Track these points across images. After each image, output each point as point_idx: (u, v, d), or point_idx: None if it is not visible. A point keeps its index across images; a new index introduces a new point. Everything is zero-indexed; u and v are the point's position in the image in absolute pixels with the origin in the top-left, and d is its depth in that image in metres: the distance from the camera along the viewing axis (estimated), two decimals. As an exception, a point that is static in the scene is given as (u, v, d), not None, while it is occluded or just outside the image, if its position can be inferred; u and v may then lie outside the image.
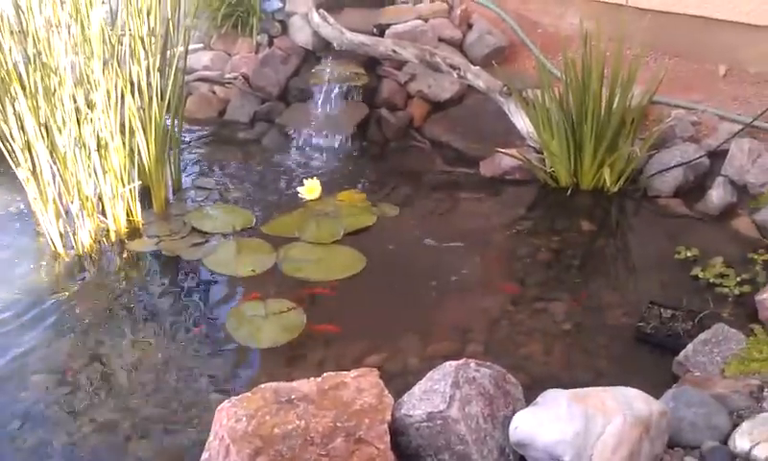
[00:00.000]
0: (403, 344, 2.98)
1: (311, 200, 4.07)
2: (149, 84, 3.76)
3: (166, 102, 3.89)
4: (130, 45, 3.69)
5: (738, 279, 3.24)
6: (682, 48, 4.85)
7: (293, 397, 2.01)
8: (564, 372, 2.82)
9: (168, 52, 3.92)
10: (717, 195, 3.82)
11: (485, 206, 4.14)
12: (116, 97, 3.62)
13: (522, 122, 4.31)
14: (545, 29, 5.31)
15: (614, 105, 3.92)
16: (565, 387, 2.11)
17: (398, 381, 2.50)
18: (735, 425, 2.16)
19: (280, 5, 5.24)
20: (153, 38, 3.78)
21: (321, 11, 4.95)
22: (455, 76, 4.62)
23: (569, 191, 4.11)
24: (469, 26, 5.23)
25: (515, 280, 3.43)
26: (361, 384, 2.09)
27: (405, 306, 3.24)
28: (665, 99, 4.38)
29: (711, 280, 3.26)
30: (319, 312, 3.17)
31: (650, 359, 2.87)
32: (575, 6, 5.04)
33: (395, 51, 4.72)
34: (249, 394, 2.06)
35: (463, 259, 3.57)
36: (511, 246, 3.75)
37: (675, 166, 3.97)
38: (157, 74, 3.80)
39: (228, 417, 1.98)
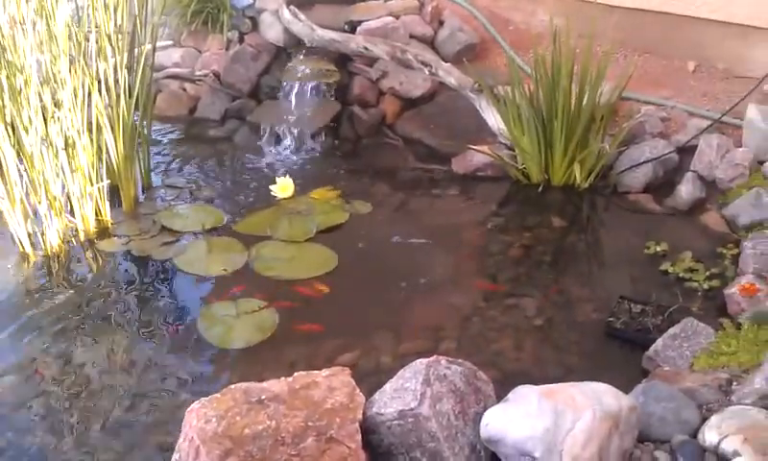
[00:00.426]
0: (376, 342, 2.98)
1: (283, 198, 4.04)
2: (116, 82, 3.72)
3: (134, 99, 3.85)
4: (96, 42, 3.64)
5: (707, 273, 3.28)
6: (651, 45, 4.90)
7: (263, 397, 2.00)
8: (535, 367, 2.84)
9: (136, 49, 3.88)
10: (686, 190, 3.86)
11: (457, 203, 4.15)
12: (83, 95, 3.57)
13: (494, 119, 4.32)
14: (517, 26, 5.33)
15: (584, 101, 3.94)
16: (537, 383, 2.12)
17: (371, 380, 2.50)
18: (705, 419, 2.18)
19: (251, 1, 5.21)
20: (120, 35, 3.73)
21: (291, 7, 4.92)
22: (427, 73, 4.62)
23: (540, 187, 4.13)
24: (441, 23, 5.23)
25: (487, 277, 3.44)
26: (332, 383, 2.08)
27: (378, 304, 3.24)
28: (635, 95, 4.43)
29: (681, 275, 3.30)
30: (291, 311, 3.15)
31: (620, 354, 2.89)
32: (546, 3, 5.07)
33: (366, 48, 4.70)
34: (218, 395, 2.04)
35: (435, 256, 3.58)
36: (483, 242, 3.76)
37: (644, 162, 4.00)
38: (125, 71, 3.76)
39: (198, 418, 1.96)
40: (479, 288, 3.35)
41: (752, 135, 3.86)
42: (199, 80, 5.25)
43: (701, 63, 4.75)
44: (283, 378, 2.09)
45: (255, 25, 5.20)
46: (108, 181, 3.81)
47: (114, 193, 3.92)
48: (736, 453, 1.97)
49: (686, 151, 4.04)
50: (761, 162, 3.80)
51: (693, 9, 4.63)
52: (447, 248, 3.68)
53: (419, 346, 2.94)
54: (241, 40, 5.25)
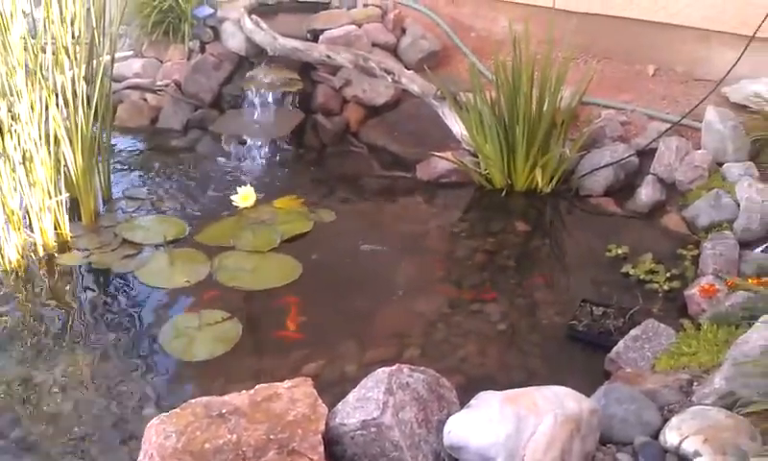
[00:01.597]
0: (341, 351, 2.96)
1: (246, 207, 4.00)
2: (74, 94, 3.67)
3: (93, 111, 3.79)
4: (54, 54, 3.59)
5: (668, 274, 3.32)
6: (611, 49, 4.96)
7: (224, 410, 1.97)
8: (499, 372, 2.85)
9: (94, 60, 3.83)
10: (646, 193, 3.90)
11: (422, 210, 4.16)
12: (41, 108, 3.52)
13: (457, 125, 4.34)
14: (478, 33, 5.37)
15: (545, 107, 3.97)
16: (501, 388, 2.12)
17: (336, 389, 2.50)
18: (666, 420, 2.19)
19: (212, 11, 5.17)
20: (78, 47, 3.68)
21: (253, 16, 4.90)
22: (390, 81, 4.63)
23: (504, 193, 4.16)
24: (403, 31, 5.25)
25: (451, 283, 3.44)
26: (294, 395, 2.06)
27: (342, 313, 3.23)
28: (595, 100, 4.47)
29: (642, 277, 3.34)
30: (254, 322, 3.13)
31: (582, 357, 2.92)
32: (507, 10, 5.10)
33: (329, 56, 4.70)
34: (178, 409, 2.01)
35: (400, 263, 3.58)
36: (447, 248, 3.77)
37: (605, 166, 4.04)
38: (83, 83, 3.70)
39: (158, 434, 1.93)
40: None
41: (710, 138, 3.91)
42: (160, 90, 5.21)
43: (660, 67, 4.82)
44: (244, 391, 2.07)
45: (217, 34, 5.18)
46: (68, 194, 3.75)
47: (74, 206, 3.86)
48: (697, 454, 1.99)
49: (646, 154, 4.10)
50: (720, 164, 3.85)
51: (652, 13, 4.70)
52: (412, 255, 3.68)
53: (383, 354, 2.93)
54: (202, 50, 5.22)
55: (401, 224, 4.01)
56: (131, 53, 5.53)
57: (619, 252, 3.53)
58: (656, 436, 2.17)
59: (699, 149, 3.95)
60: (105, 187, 4.10)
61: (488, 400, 2.03)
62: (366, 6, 5.30)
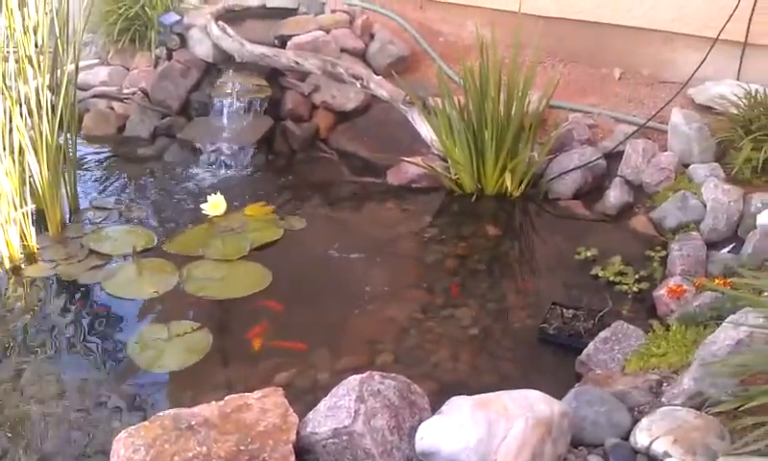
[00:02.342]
0: (313, 359, 2.95)
1: (216, 216, 3.99)
2: (39, 103, 3.61)
3: (58, 120, 3.74)
4: (17, 63, 3.53)
5: (636, 276, 3.35)
6: (578, 53, 5.00)
7: (193, 423, 1.95)
8: (471, 377, 2.85)
9: (58, 69, 3.78)
10: (614, 195, 3.94)
11: (392, 215, 4.16)
12: (4, 118, 3.46)
13: (426, 130, 4.35)
14: (446, 38, 5.38)
15: (513, 111, 3.99)
16: (473, 392, 2.12)
17: (308, 398, 2.49)
18: (636, 421, 2.20)
19: (178, 18, 5.13)
20: (41, 56, 3.63)
21: (220, 23, 4.87)
22: (358, 86, 4.63)
23: (474, 197, 4.17)
24: (371, 36, 5.25)
25: (423, 288, 3.44)
26: (265, 405, 2.04)
27: (314, 321, 3.21)
28: (563, 103, 4.50)
29: (611, 279, 3.36)
30: (225, 331, 3.10)
31: (554, 360, 2.93)
32: (475, 15, 5.12)
33: (297, 62, 4.69)
34: (146, 422, 1.98)
35: (371, 269, 3.57)
36: (418, 254, 3.77)
37: (574, 169, 4.08)
38: (47, 92, 3.65)
39: (126, 447, 1.90)
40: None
41: (676, 139, 3.96)
42: (127, 98, 5.16)
43: (626, 70, 4.87)
44: (214, 402, 2.05)
45: (184, 41, 5.14)
46: (33, 205, 3.70)
47: (40, 217, 3.81)
48: (667, 454, 2.00)
49: (614, 156, 4.14)
50: (686, 165, 3.90)
51: (617, 17, 4.75)
52: (384, 260, 3.67)
53: (356, 361, 2.92)
54: (169, 57, 5.18)
55: (372, 229, 4.01)
56: (96, 61, 5.48)
57: (588, 254, 3.56)
58: (626, 437, 2.18)
59: (665, 151, 4.00)
60: (71, 197, 4.05)
61: (459, 406, 2.03)
62: (334, 12, 5.30)
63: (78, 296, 3.38)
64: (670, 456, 1.99)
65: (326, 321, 3.21)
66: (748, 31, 4.29)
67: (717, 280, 2.99)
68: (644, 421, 2.15)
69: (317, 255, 3.70)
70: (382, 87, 4.56)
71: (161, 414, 2.01)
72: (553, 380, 2.72)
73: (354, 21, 5.26)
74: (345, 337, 3.11)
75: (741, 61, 4.39)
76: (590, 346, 2.79)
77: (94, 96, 5.23)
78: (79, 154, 4.59)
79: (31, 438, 2.54)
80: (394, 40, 5.20)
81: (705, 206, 3.57)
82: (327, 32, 5.07)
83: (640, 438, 2.09)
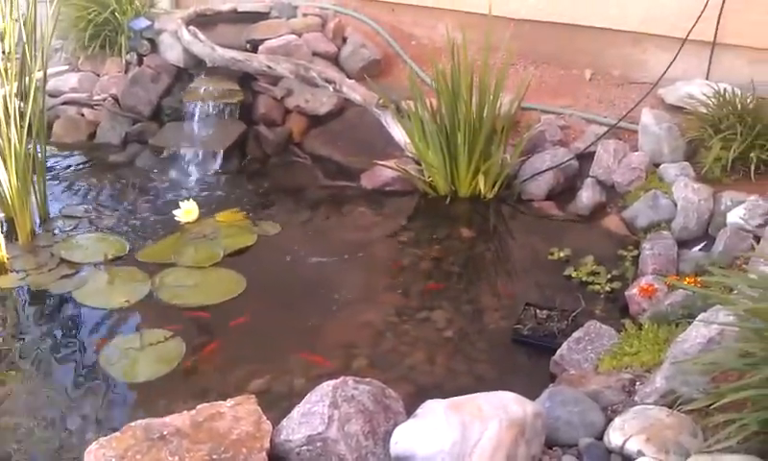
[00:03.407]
0: (288, 365, 2.93)
1: (188, 222, 3.96)
2: (6, 110, 3.57)
3: (27, 127, 3.69)
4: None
5: (609, 276, 3.37)
6: (549, 55, 5.03)
7: (165, 432, 1.93)
8: (447, 379, 2.85)
9: (27, 76, 3.73)
10: (587, 195, 3.96)
11: (367, 219, 4.15)
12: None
13: (399, 133, 4.35)
14: (419, 40, 5.39)
15: (485, 113, 4.00)
16: (449, 395, 2.12)
17: (284, 404, 2.46)
18: (610, 421, 2.22)
19: (149, 23, 5.09)
20: (9, 63, 3.59)
21: (191, 27, 4.84)
22: (331, 90, 4.62)
23: (448, 199, 4.18)
24: (344, 40, 5.24)
25: (398, 291, 3.44)
26: (238, 413, 2.02)
27: (289, 326, 3.19)
28: (535, 105, 4.53)
29: (584, 279, 3.39)
30: (198, 339, 3.08)
31: (528, 360, 2.95)
32: (446, 17, 5.13)
33: (269, 66, 4.67)
34: (118, 433, 1.96)
35: (346, 274, 3.56)
36: (393, 257, 3.77)
37: (546, 170, 4.10)
38: (15, 99, 3.61)
39: (97, 459, 1.88)
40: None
41: (646, 139, 3.99)
42: (97, 104, 5.12)
43: (597, 71, 4.91)
44: (186, 412, 2.03)
45: (155, 46, 5.09)
46: (2, 213, 3.65)
47: (10, 226, 3.77)
48: (640, 453, 2.02)
49: (585, 157, 4.16)
50: (657, 165, 3.93)
51: (588, 18, 4.78)
52: (359, 264, 3.67)
53: (332, 366, 2.91)
54: (140, 62, 5.13)
55: (347, 233, 4.00)
56: (67, 67, 5.42)
57: (561, 254, 3.58)
58: (600, 437, 2.19)
59: (636, 151, 4.03)
60: (41, 206, 3.99)
61: (433, 409, 2.03)
62: (305, 15, 5.28)
63: (48, 305, 3.34)
64: (643, 455, 2.01)
65: (302, 326, 3.19)
66: (716, 31, 4.34)
67: (688, 279, 3.02)
68: (617, 420, 2.16)
69: (291, 261, 3.68)
70: (355, 91, 4.56)
71: (133, 424, 1.99)
72: (528, 381, 2.73)
73: (326, 25, 5.25)
74: (320, 342, 3.10)
75: (710, 61, 4.44)
76: (564, 346, 2.80)
77: (64, 103, 5.17)
78: (49, 161, 4.55)
79: (1, 451, 2.50)
80: (366, 44, 5.20)
81: (675, 205, 3.60)
82: (299, 35, 5.05)
83: (614, 437, 2.11)
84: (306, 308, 3.30)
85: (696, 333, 2.36)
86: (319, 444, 1.95)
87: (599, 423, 2.24)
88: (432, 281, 3.49)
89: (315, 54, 5.05)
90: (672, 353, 2.36)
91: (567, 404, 2.26)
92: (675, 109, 4.20)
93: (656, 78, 4.41)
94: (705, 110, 3.86)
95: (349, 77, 4.83)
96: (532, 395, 2.31)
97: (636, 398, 2.37)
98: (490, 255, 3.80)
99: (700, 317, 2.43)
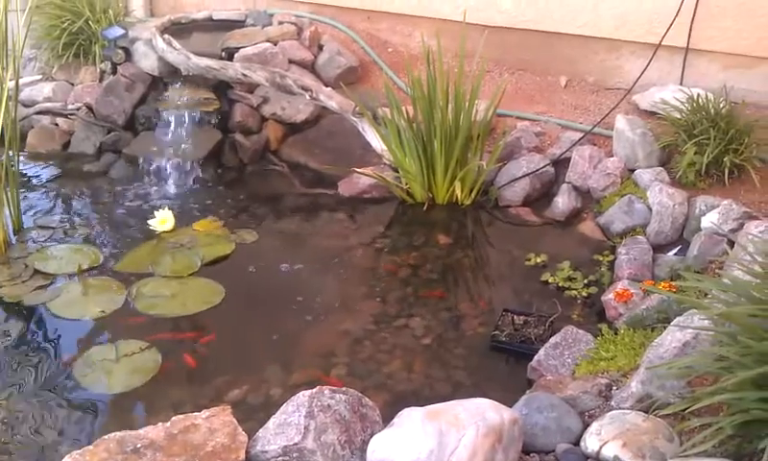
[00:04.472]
0: (265, 375, 2.92)
1: (164, 232, 3.93)
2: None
3: (-2, 138, 3.66)
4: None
5: (585, 281, 3.39)
6: (524, 62, 5.05)
7: (139, 445, 1.91)
8: (425, 387, 2.85)
9: (-2, 85, 3.69)
10: (563, 201, 3.98)
11: (345, 227, 4.14)
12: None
13: (376, 141, 4.35)
14: (395, 48, 5.39)
15: (461, 120, 4.01)
16: (427, 402, 2.12)
17: (260, 415, 2.46)
18: (587, 426, 2.23)
19: (123, 31, 5.05)
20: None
21: (165, 36, 4.80)
22: (308, 98, 4.61)
23: (425, 206, 4.18)
24: (320, 47, 5.23)
25: (375, 299, 3.43)
26: (213, 425, 2.01)
27: (267, 335, 3.18)
28: (511, 112, 4.55)
29: (560, 284, 3.40)
30: (174, 350, 3.05)
31: (506, 366, 2.96)
32: (422, 25, 5.15)
33: (244, 74, 4.64)
34: (91, 447, 1.94)
35: (324, 282, 3.56)
36: (371, 264, 3.76)
37: (522, 176, 4.11)
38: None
39: (70, 474, 1.86)
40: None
41: (621, 145, 4.02)
42: (71, 114, 5.06)
43: (572, 78, 4.93)
44: (160, 424, 2.01)
45: (129, 55, 5.05)
46: (-26, 225, 3.60)
47: (-18, 238, 3.71)
48: (617, 458, 2.02)
49: (561, 163, 4.18)
50: (632, 170, 3.96)
51: (562, 25, 4.81)
52: (337, 272, 3.66)
53: (309, 375, 2.90)
54: (114, 71, 5.08)
55: (325, 241, 3.98)
56: (40, 77, 5.37)
57: (538, 260, 3.60)
58: (577, 442, 2.20)
59: (611, 157, 4.05)
60: (14, 217, 3.94)
61: (410, 417, 2.02)
62: (281, 23, 5.26)
63: (22, 317, 3.29)
64: (620, 460, 2.01)
65: (280, 335, 3.18)
66: (689, 37, 4.39)
67: (663, 283, 3.04)
68: (594, 425, 2.17)
69: (269, 269, 3.67)
70: (332, 99, 4.55)
71: (106, 437, 1.97)
72: (505, 387, 2.74)
73: (302, 33, 5.24)
74: (298, 351, 3.09)
75: (684, 67, 4.49)
76: (541, 352, 2.81)
77: (38, 112, 5.11)
78: (22, 171, 4.51)
79: (-28, 467, 2.47)
80: (342, 51, 5.19)
81: (650, 209, 3.63)
82: (275, 43, 5.03)
83: (590, 443, 2.12)
84: (284, 317, 3.29)
85: (671, 338, 2.38)
86: (295, 454, 1.94)
87: (576, 428, 2.25)
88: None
89: (291, 62, 5.03)
90: (648, 358, 2.38)
91: (544, 410, 2.27)
92: (649, 114, 4.23)
93: (630, 84, 4.45)
94: (678, 116, 3.90)
95: (326, 84, 4.82)
96: (510, 401, 2.32)
97: (612, 402, 2.38)
98: (467, 262, 3.80)
99: (675, 321, 2.45)
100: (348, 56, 5.18)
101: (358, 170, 4.35)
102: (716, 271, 3.10)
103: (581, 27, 4.77)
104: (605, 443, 2.07)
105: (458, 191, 4.12)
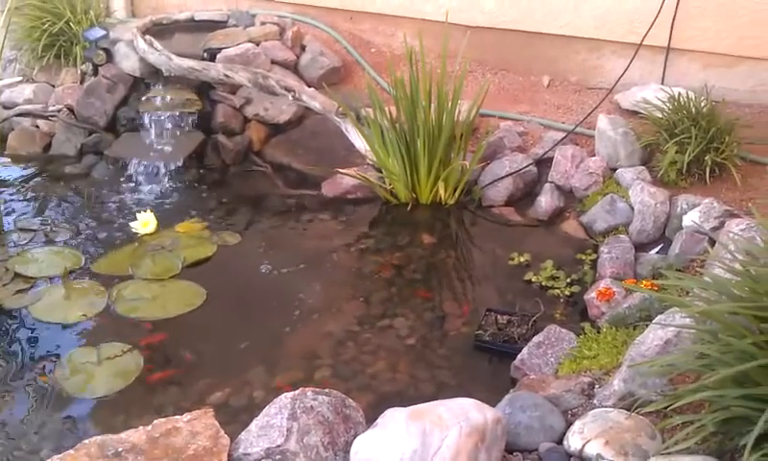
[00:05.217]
0: (249, 377, 2.91)
1: (146, 234, 3.90)
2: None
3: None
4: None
5: (568, 280, 3.40)
6: (507, 62, 5.06)
7: (120, 449, 1.89)
8: (409, 387, 2.85)
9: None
10: (546, 201, 3.99)
11: (328, 227, 4.13)
12: None
13: (360, 141, 4.34)
14: (378, 48, 5.39)
15: (443, 120, 4.01)
16: (411, 402, 2.12)
17: (244, 417, 2.44)
18: (570, 424, 2.23)
19: (104, 32, 5.02)
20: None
21: (147, 37, 4.77)
22: (290, 98, 4.59)
23: (409, 206, 4.18)
24: (303, 48, 5.22)
25: (359, 299, 3.42)
26: (195, 427, 1.99)
27: (250, 337, 3.16)
28: (494, 112, 4.56)
29: (543, 283, 3.41)
30: (156, 353, 3.03)
31: (489, 366, 2.96)
32: (405, 25, 5.14)
33: (227, 75, 4.62)
34: (72, 451, 1.92)
35: (307, 283, 3.54)
36: (355, 265, 3.75)
37: (506, 176, 4.12)
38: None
39: (50, 479, 1.84)
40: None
41: (603, 144, 4.03)
42: (52, 115, 5.02)
43: (555, 77, 4.95)
44: (142, 427, 1.99)
45: (110, 56, 5.01)
46: (-46, 228, 3.57)
47: (-38, 241, 3.68)
48: (599, 457, 2.03)
49: (544, 163, 4.19)
50: (614, 169, 3.97)
51: (544, 26, 4.82)
52: (320, 273, 3.65)
53: (293, 377, 2.89)
54: (96, 73, 5.05)
55: (308, 242, 3.98)
56: (21, 78, 5.32)
57: (522, 259, 3.60)
58: (560, 441, 2.21)
59: (593, 156, 4.07)
60: (-5, 220, 3.92)
61: (394, 418, 2.02)
62: (264, 24, 5.25)
63: (2, 321, 3.26)
64: (603, 458, 2.02)
65: (263, 337, 3.17)
66: (670, 36, 4.41)
67: (645, 282, 3.05)
68: (577, 423, 2.18)
69: (252, 271, 3.65)
70: (315, 99, 4.54)
71: (87, 441, 1.95)
72: (489, 387, 2.74)
73: (285, 33, 5.22)
74: (281, 353, 3.08)
75: (665, 66, 4.51)
76: (524, 351, 2.82)
77: (19, 115, 5.07)
78: (3, 174, 4.47)
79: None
80: (325, 52, 5.18)
81: (632, 208, 3.64)
82: (257, 44, 5.01)
83: (573, 441, 2.12)
84: (267, 319, 3.28)
85: (653, 336, 2.39)
86: (278, 457, 1.94)
87: (559, 427, 2.25)
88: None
89: (274, 62, 5.01)
90: (630, 356, 2.39)
91: (527, 409, 2.27)
92: (631, 113, 4.25)
93: (612, 83, 4.47)
94: (660, 115, 3.91)
95: (309, 85, 4.81)
96: (493, 400, 2.32)
97: (595, 401, 2.39)
98: (451, 262, 3.80)
99: (657, 320, 2.46)
100: (330, 56, 5.17)
101: (342, 171, 4.34)
102: (697, 269, 3.11)
103: (563, 27, 4.78)
104: (587, 441, 2.08)
105: (441, 191, 4.12)
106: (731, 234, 2.89)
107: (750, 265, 2.03)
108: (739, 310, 1.93)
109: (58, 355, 3.03)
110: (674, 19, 4.37)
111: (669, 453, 1.96)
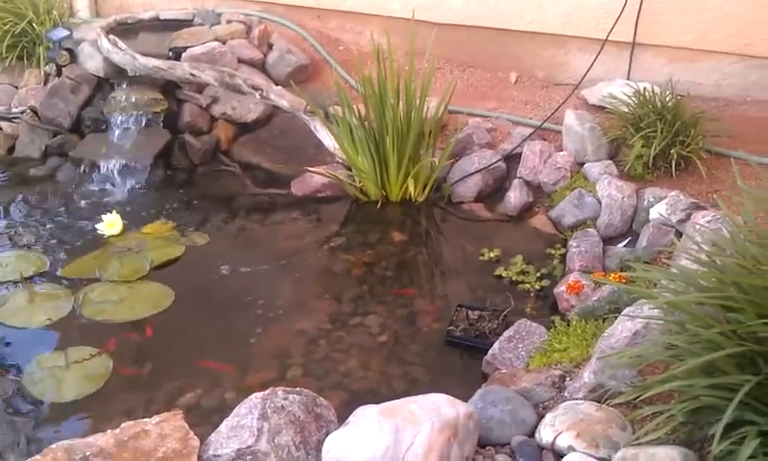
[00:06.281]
0: (220, 378, 2.89)
1: (112, 236, 3.85)
2: None
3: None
4: None
5: (538, 274, 3.42)
6: (474, 59, 5.07)
7: (88, 453, 1.86)
8: (381, 384, 2.85)
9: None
10: (515, 196, 4.01)
11: (298, 226, 4.11)
12: None
13: (329, 139, 4.32)
14: (346, 46, 5.37)
15: (412, 117, 4.01)
16: (383, 399, 2.12)
17: (215, 418, 2.40)
18: (541, 417, 2.24)
19: (67, 32, 4.94)
20: None
21: (111, 36, 4.71)
22: (258, 97, 4.56)
23: (379, 204, 4.17)
24: (270, 46, 5.18)
25: (330, 298, 3.41)
26: (164, 430, 1.97)
27: (220, 338, 3.14)
28: (462, 108, 4.56)
29: (514, 278, 3.42)
30: (125, 355, 2.99)
31: (461, 361, 2.97)
32: (372, 23, 5.13)
33: (193, 74, 4.57)
34: (39, 457, 1.89)
35: (278, 282, 3.53)
36: (325, 264, 3.74)
37: (475, 172, 4.13)
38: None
39: (16, 485, 1.80)
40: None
41: (570, 139, 4.06)
42: (16, 117, 4.94)
43: (522, 74, 4.97)
44: (110, 431, 1.96)
45: (74, 57, 4.94)
46: None
47: None
48: (571, 448, 2.04)
49: (512, 158, 4.21)
50: (581, 164, 4.00)
51: (511, 22, 4.84)
52: (291, 272, 3.63)
53: (264, 377, 2.88)
54: (59, 73, 4.97)
55: (278, 241, 3.95)
56: (-20, 81, 5.23)
57: (492, 255, 3.61)
58: (532, 434, 2.22)
59: (561, 151, 4.09)
60: (-44, 224, 3.84)
61: (366, 415, 2.02)
62: (230, 22, 5.20)
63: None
64: (574, 450, 2.03)
65: (233, 337, 3.14)
66: (636, 31, 4.45)
67: (614, 274, 3.08)
68: (548, 416, 2.19)
69: (221, 271, 3.62)
70: (283, 98, 4.51)
71: (54, 446, 1.92)
72: (461, 382, 2.75)
73: (251, 31, 5.18)
74: (252, 353, 3.06)
75: (631, 61, 4.55)
76: (495, 345, 2.83)
77: (-19, 118, 4.99)
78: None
79: None
80: (293, 50, 5.15)
81: (600, 202, 3.67)
82: (224, 42, 4.96)
83: (545, 434, 2.13)
84: (237, 319, 3.26)
85: (622, 328, 2.41)
86: (249, 457, 1.92)
87: (531, 420, 2.26)
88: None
89: (240, 61, 4.97)
90: (600, 348, 2.41)
91: (499, 403, 2.28)
92: (597, 108, 4.28)
93: (579, 79, 4.50)
94: (626, 109, 3.95)
95: (276, 83, 4.78)
96: (465, 395, 2.33)
97: (565, 393, 2.41)
98: (422, 259, 3.80)
99: (625, 311, 2.49)
100: (298, 54, 5.14)
101: (311, 169, 4.32)
102: (665, 261, 3.15)
103: (529, 23, 4.80)
104: (559, 433, 2.09)
105: (411, 188, 4.12)
106: (697, 226, 2.93)
107: (716, 256, 2.06)
108: (706, 301, 1.95)
109: (24, 360, 2.97)
110: (639, 14, 4.41)
111: (640, 444, 1.98)
